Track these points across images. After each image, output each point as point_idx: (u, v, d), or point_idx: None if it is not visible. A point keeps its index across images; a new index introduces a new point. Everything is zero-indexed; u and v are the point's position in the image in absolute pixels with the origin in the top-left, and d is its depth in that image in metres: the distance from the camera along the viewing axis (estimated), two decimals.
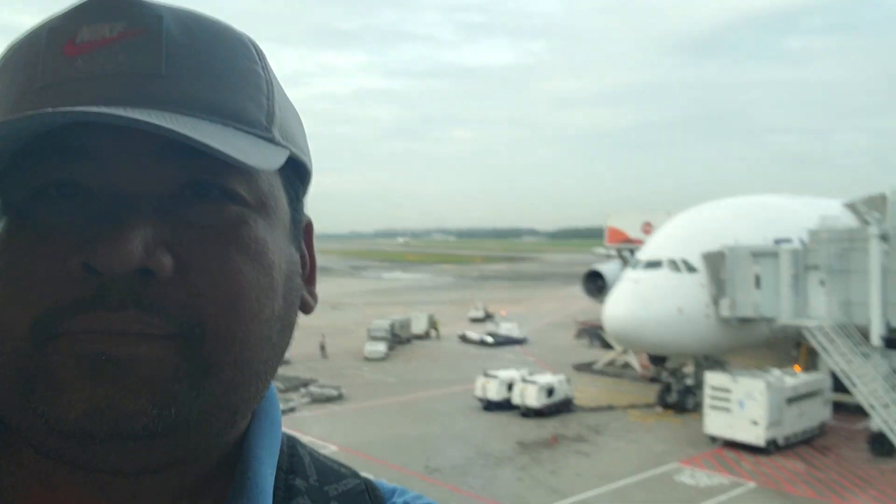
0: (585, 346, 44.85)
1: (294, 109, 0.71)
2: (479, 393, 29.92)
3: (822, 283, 26.74)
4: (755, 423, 24.24)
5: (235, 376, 0.61)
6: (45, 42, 0.61)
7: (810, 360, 30.20)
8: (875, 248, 25.22)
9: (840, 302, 26.11)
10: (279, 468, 0.74)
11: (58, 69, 0.59)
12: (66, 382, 0.56)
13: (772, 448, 24.31)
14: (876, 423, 24.08)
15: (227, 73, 0.63)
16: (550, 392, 28.98)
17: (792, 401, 25.14)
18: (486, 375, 30.37)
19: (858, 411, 25.67)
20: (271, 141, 0.64)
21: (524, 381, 29.44)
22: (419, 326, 48.62)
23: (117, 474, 0.62)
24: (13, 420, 0.61)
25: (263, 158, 0.60)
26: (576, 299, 50.90)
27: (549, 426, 27.33)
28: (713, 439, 25.38)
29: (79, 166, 0.59)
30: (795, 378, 26.41)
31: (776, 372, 26.89)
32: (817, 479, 22.23)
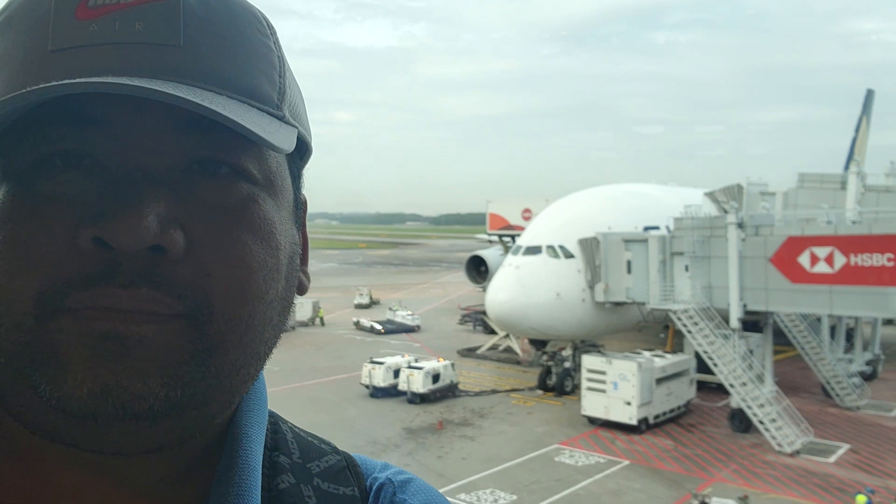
0: (469, 331, 45.67)
1: (298, 86, 0.69)
2: (365, 380, 29.94)
3: (686, 268, 28.38)
4: (628, 403, 25.61)
5: (239, 357, 0.61)
6: (53, 3, 0.57)
7: (677, 342, 32.12)
8: (733, 236, 26.92)
9: (703, 286, 27.82)
10: (265, 446, 0.73)
11: (70, 33, 0.56)
12: (72, 361, 0.54)
13: (643, 427, 25.78)
14: (735, 400, 25.95)
15: (243, 48, 0.61)
16: (436, 378, 29.37)
17: (661, 381, 26.73)
18: (373, 362, 30.44)
19: (720, 390, 27.64)
20: (282, 119, 0.62)
21: (410, 367, 29.69)
22: (303, 314, 47.85)
23: (115, 455, 0.59)
24: (7, 396, 0.58)
25: (280, 137, 0.58)
26: (459, 285, 51.68)
27: (435, 411, 27.75)
28: (590, 420, 26.59)
29: (90, 136, 0.56)
30: (664, 359, 28.04)
31: (647, 354, 28.45)
32: (684, 455, 23.78)
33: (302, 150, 0.70)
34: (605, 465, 22.63)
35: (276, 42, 0.66)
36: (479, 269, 50.18)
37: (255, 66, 0.62)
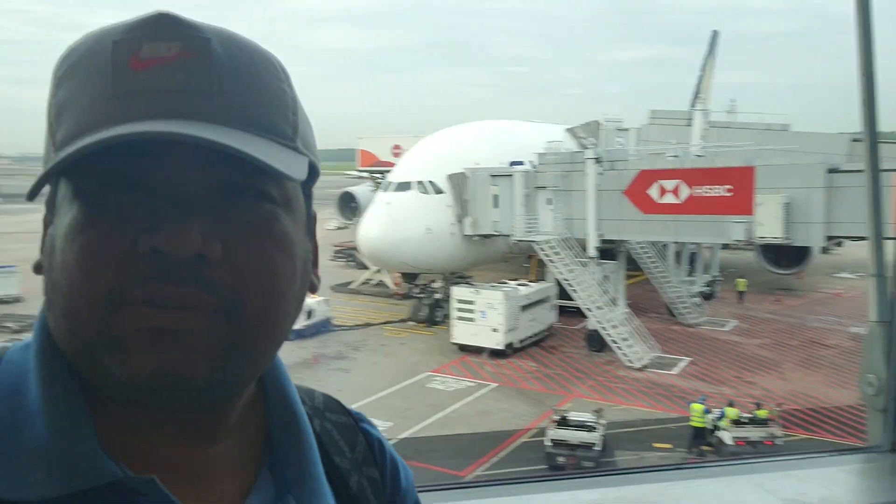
0: (342, 266, 45.79)
1: (308, 119, 0.83)
2: None
3: (549, 201, 29.83)
4: (495, 330, 27.02)
5: (265, 344, 0.77)
6: (111, 54, 0.71)
7: (539, 271, 33.88)
8: (591, 170, 28.44)
9: (564, 218, 29.36)
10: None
11: (126, 81, 0.70)
12: (134, 348, 0.69)
13: (509, 351, 27.37)
14: (592, 323, 28.01)
15: (262, 92, 0.75)
16: (310, 314, 29.48)
17: (525, 308, 28.31)
18: None
19: (578, 313, 29.58)
20: (296, 150, 0.77)
21: None
22: None
23: (178, 412, 0.76)
24: (88, 375, 0.74)
25: (294, 168, 0.73)
26: (330, 221, 51.36)
27: (310, 347, 28.00)
28: (461, 347, 27.89)
29: (145, 166, 0.70)
30: (528, 288, 29.62)
31: (512, 283, 29.91)
32: (546, 375, 25.59)
33: (313, 174, 0.81)
34: (474, 388, 23.98)
35: (290, 84, 0.80)
36: (349, 206, 50.12)
37: (272, 106, 0.76)
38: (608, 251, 30.59)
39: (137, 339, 0.69)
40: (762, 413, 19.33)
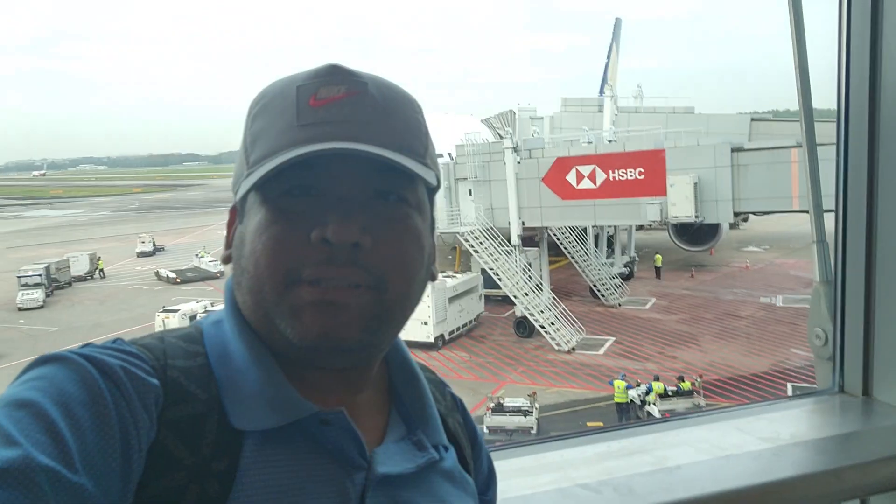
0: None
1: (433, 142, 1.04)
2: (158, 329, 28.68)
3: (469, 192, 30.19)
4: (425, 323, 27.15)
5: (400, 317, 0.96)
6: (296, 95, 0.94)
7: (464, 261, 34.25)
8: (510, 160, 28.96)
9: (485, 208, 29.80)
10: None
11: (308, 114, 0.92)
12: (306, 315, 0.89)
13: (440, 343, 27.62)
14: (519, 310, 28.55)
15: (405, 123, 0.97)
16: (193, 319, 28.83)
17: (453, 299, 28.59)
18: (166, 311, 29.36)
19: (505, 301, 30.15)
20: (426, 165, 0.97)
21: (207, 311, 28.97)
22: (80, 267, 44.30)
23: (334, 370, 0.97)
24: (268, 339, 0.95)
25: (428, 175, 0.95)
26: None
27: None
28: None
29: (317, 176, 0.91)
30: (455, 279, 29.91)
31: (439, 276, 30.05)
32: (478, 364, 25.97)
33: (436, 186, 1.02)
34: None
35: (423, 116, 1.01)
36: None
37: (412, 133, 0.97)
38: (530, 238, 31.23)
39: (309, 309, 0.89)
40: (686, 385, 20.23)
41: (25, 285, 38.08)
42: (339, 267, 0.89)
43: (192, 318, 28.62)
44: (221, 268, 42.67)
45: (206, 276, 42.98)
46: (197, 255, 46.38)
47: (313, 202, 0.91)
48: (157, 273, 44.77)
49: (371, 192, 0.93)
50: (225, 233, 1.05)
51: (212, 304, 30.32)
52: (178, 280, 42.47)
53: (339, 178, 0.92)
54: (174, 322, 28.61)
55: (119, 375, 0.85)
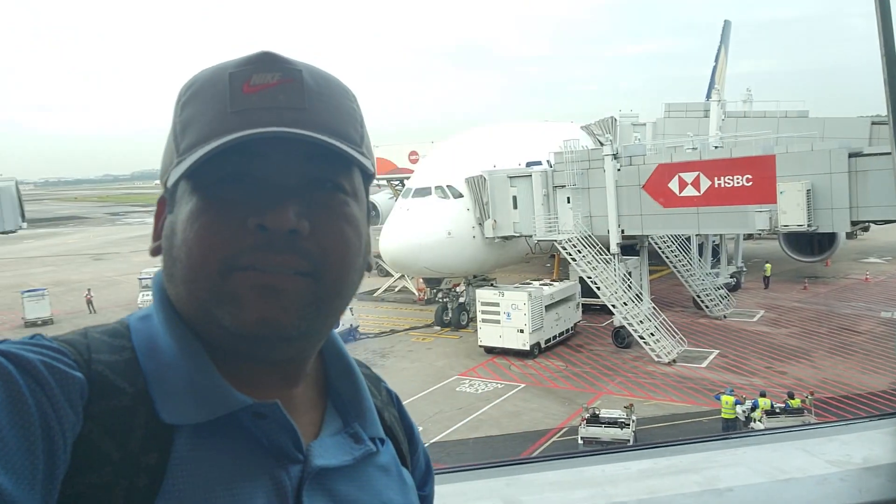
0: (365, 275, 45.92)
1: (369, 134, 1.04)
2: None
3: (568, 200, 29.75)
4: (521, 331, 27.01)
5: (337, 304, 0.96)
6: (228, 82, 0.92)
7: (562, 269, 33.82)
8: (609, 167, 28.40)
9: (584, 216, 29.29)
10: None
11: (240, 101, 0.91)
12: (245, 302, 0.88)
13: (536, 351, 27.37)
14: (617, 319, 27.90)
15: (340, 111, 0.97)
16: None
17: (550, 307, 28.27)
18: None
19: (604, 311, 29.54)
20: (363, 154, 0.97)
21: None
22: None
23: (270, 363, 0.96)
24: (203, 329, 0.93)
25: (364, 162, 0.96)
26: None
27: None
28: (487, 350, 27.92)
29: (252, 162, 0.90)
30: (552, 287, 29.57)
31: (535, 283, 29.89)
32: (574, 373, 25.54)
33: (370, 176, 1.03)
34: (503, 390, 23.99)
35: (358, 106, 1.02)
36: (370, 214, 50.09)
37: (346, 121, 0.97)
38: (630, 247, 30.52)
39: (248, 295, 0.89)
40: (795, 402, 19.16)
41: (146, 287, 40.18)
42: (277, 254, 0.89)
43: None
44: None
45: None
46: None
47: (248, 189, 0.90)
48: None
49: (307, 178, 0.93)
50: (153, 224, 1.03)
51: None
52: None
53: (274, 164, 0.91)
54: None
55: (39, 370, 0.82)
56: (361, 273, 1.00)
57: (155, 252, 1.00)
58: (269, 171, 0.91)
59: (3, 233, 39.30)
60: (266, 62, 0.94)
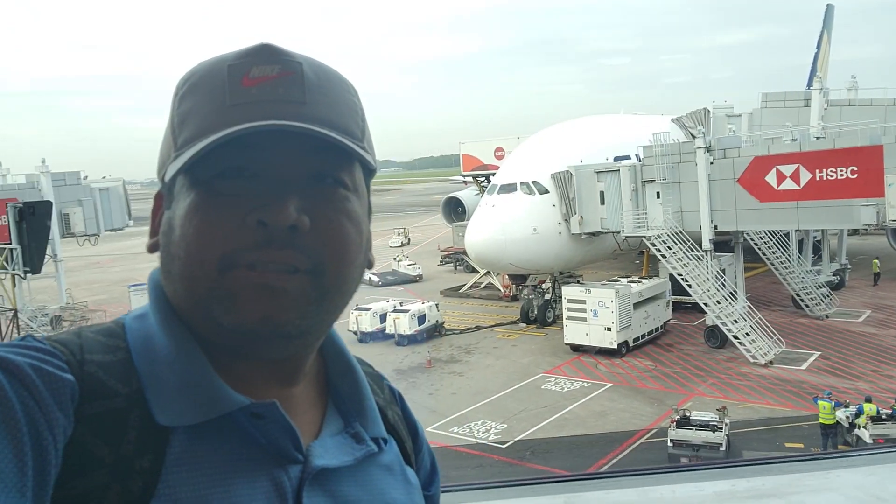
0: (451, 271, 46.21)
1: (369, 129, 1.02)
2: (352, 326, 30.25)
3: (657, 195, 28.95)
4: (608, 329, 26.48)
5: (338, 301, 0.94)
6: (227, 74, 0.91)
7: (652, 266, 32.95)
8: (702, 160, 27.45)
9: (674, 211, 28.42)
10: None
11: (239, 94, 0.89)
12: (245, 300, 0.86)
13: (624, 350, 26.74)
14: (710, 318, 26.91)
15: (341, 104, 0.95)
16: (422, 319, 30.02)
17: (638, 305, 27.59)
18: (358, 308, 30.59)
19: (695, 309, 28.59)
20: (364, 149, 0.95)
21: (395, 310, 30.25)
22: None
23: (268, 361, 0.95)
24: (201, 327, 0.92)
25: (366, 157, 0.94)
26: (438, 227, 51.86)
27: (422, 351, 28.43)
28: (573, 348, 27.52)
29: (251, 156, 0.88)
30: (640, 284, 28.86)
31: (623, 280, 29.23)
32: (664, 373, 24.82)
33: (371, 171, 1.01)
34: (589, 388, 23.59)
35: (359, 99, 0.99)
36: (456, 210, 50.52)
37: (347, 115, 0.95)
38: (724, 243, 29.43)
39: (247, 294, 0.87)
40: None
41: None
42: (277, 250, 0.87)
43: (382, 317, 29.98)
44: (420, 271, 44.16)
45: (405, 280, 43.61)
46: (395, 259, 46.84)
47: (247, 184, 0.88)
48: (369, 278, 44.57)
49: (307, 173, 0.91)
50: (150, 220, 1.01)
51: (400, 304, 31.50)
52: (379, 283, 42.29)
53: (273, 158, 0.89)
54: (366, 320, 30.05)
55: (27, 373, 0.80)
56: (362, 270, 0.98)
57: (152, 248, 0.98)
58: (269, 165, 0.89)
59: (111, 230, 42.21)
60: (265, 54, 0.92)
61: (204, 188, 0.89)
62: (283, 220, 0.86)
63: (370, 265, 1.01)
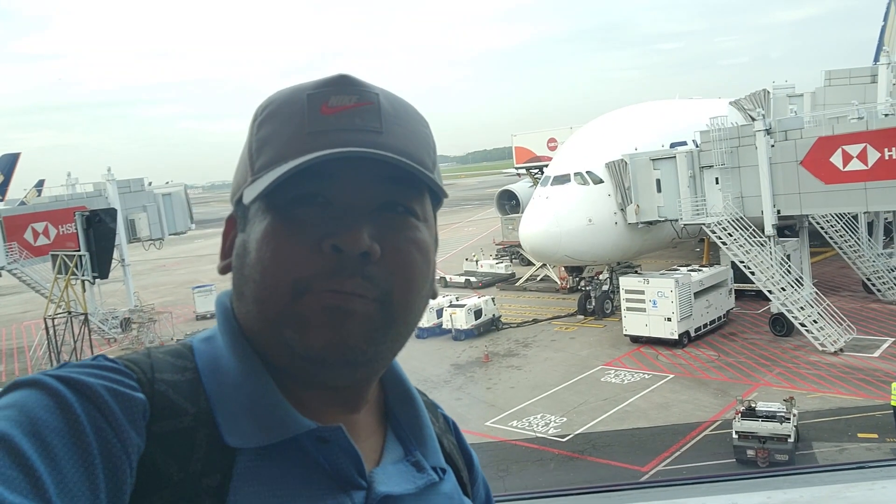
0: (507, 265, 46.03)
1: (438, 162, 1.06)
2: None
3: (716, 180, 28.22)
4: (668, 319, 25.98)
5: (403, 330, 0.96)
6: (306, 103, 0.95)
7: (713, 254, 32.16)
8: (762, 143, 26.64)
9: (734, 197, 27.66)
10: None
11: (318, 122, 0.93)
12: (313, 325, 0.88)
13: (685, 340, 26.22)
14: (775, 306, 26.18)
15: (415, 135, 0.98)
16: (478, 313, 29.99)
17: (699, 294, 26.99)
18: (453, 306, 30.47)
19: (759, 297, 27.81)
20: (434, 181, 0.97)
21: (452, 305, 30.29)
22: None
23: (333, 388, 0.96)
24: (271, 350, 0.94)
25: (436, 188, 0.97)
26: (493, 221, 51.66)
27: (480, 346, 28.44)
28: (633, 339, 27.10)
29: (325, 184, 0.91)
30: (701, 273, 28.23)
31: (683, 269, 28.61)
32: (728, 363, 24.23)
33: (439, 201, 1.03)
34: (650, 380, 23.20)
35: (431, 132, 1.03)
36: (509, 203, 50.26)
37: (421, 146, 0.98)
38: (787, 228, 28.50)
39: (318, 317, 0.88)
40: None
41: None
42: (348, 279, 0.88)
43: (439, 312, 29.96)
44: (512, 269, 43.56)
45: (500, 279, 41.52)
46: (467, 260, 44.91)
47: (321, 211, 0.91)
48: (467, 280, 41.51)
49: (379, 201, 0.93)
50: (221, 242, 1.04)
51: (457, 298, 31.45)
52: (480, 284, 40.17)
53: (347, 186, 0.91)
54: (461, 316, 29.94)
55: (99, 394, 0.82)
56: (427, 300, 0.99)
57: (224, 270, 1.01)
58: (342, 193, 0.91)
59: (174, 234, 43.54)
60: (344, 85, 0.96)
61: (280, 213, 0.91)
62: (357, 246, 0.88)
63: (434, 295, 1.02)
